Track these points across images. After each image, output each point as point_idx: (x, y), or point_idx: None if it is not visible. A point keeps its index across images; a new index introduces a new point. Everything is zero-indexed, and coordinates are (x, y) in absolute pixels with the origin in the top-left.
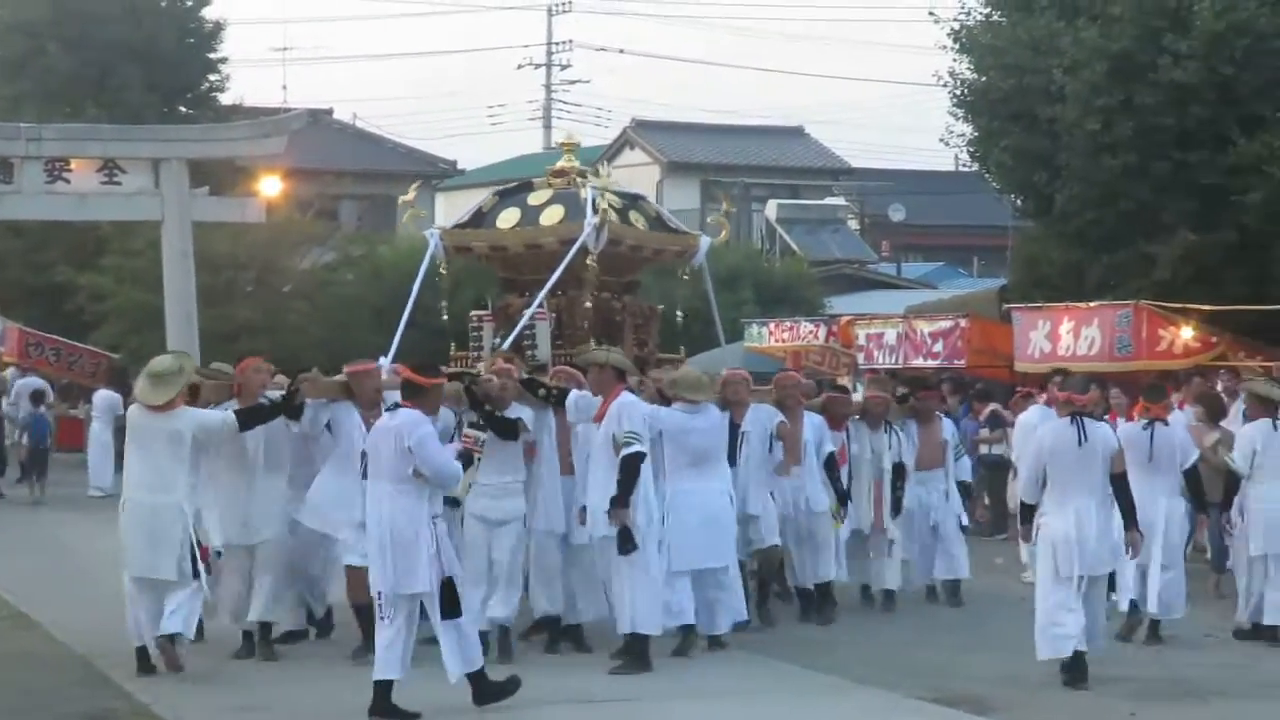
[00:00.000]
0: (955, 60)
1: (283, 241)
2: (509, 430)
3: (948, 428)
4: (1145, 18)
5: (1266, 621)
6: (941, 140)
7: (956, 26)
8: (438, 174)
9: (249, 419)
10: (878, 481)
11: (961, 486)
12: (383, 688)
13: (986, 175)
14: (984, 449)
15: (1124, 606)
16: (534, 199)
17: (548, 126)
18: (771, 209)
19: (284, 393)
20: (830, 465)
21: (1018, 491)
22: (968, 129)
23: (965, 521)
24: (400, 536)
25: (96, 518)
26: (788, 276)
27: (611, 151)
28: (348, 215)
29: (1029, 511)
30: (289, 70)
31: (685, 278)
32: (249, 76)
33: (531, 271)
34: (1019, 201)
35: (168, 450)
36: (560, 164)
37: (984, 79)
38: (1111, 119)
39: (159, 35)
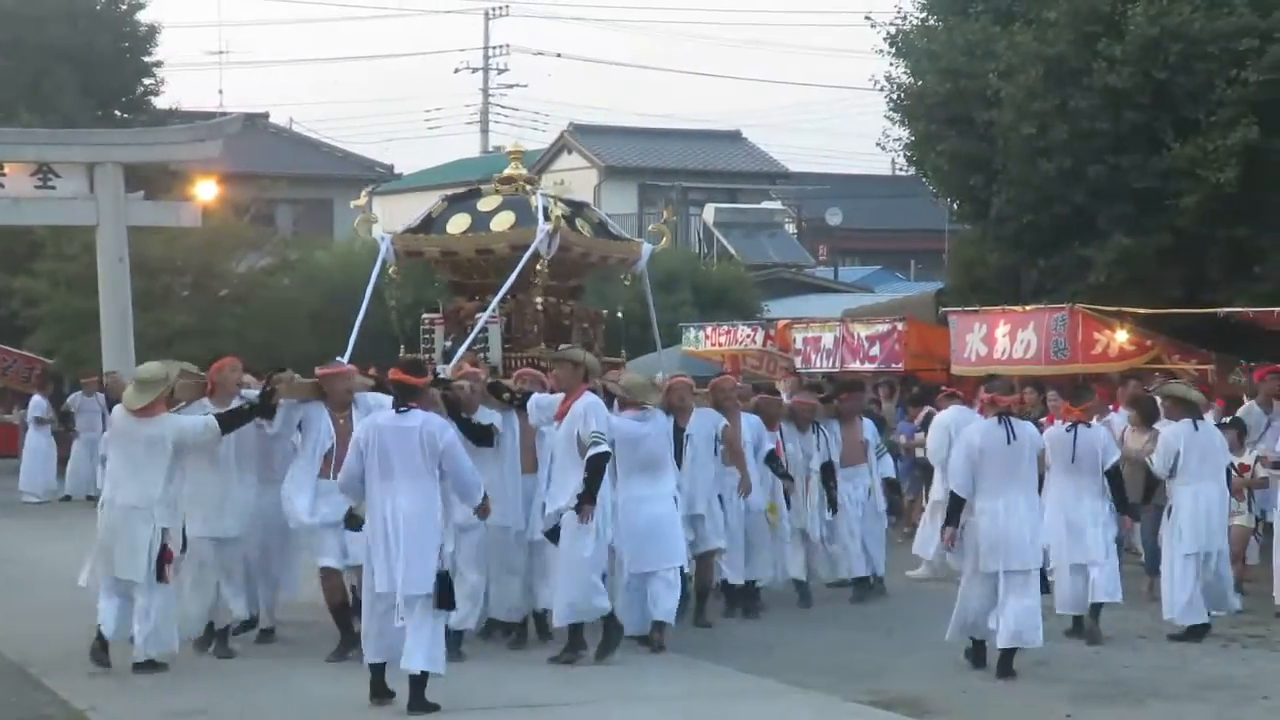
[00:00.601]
0: (892, 65)
1: (219, 246)
2: (485, 437)
3: (869, 428)
4: (1080, 23)
5: (1214, 609)
6: (878, 144)
7: (893, 31)
8: (375, 178)
9: (230, 421)
10: (807, 480)
11: (887, 484)
12: (378, 669)
13: (923, 179)
14: (919, 451)
15: (1073, 611)
16: (484, 205)
17: (485, 131)
18: (709, 213)
19: (260, 393)
20: (773, 460)
21: (946, 488)
22: (904, 133)
23: (887, 520)
24: (417, 537)
25: (29, 524)
26: (725, 280)
27: (549, 155)
28: (284, 219)
29: (958, 507)
30: (225, 74)
31: (627, 283)
32: (185, 80)
33: (481, 275)
34: (955, 205)
35: (146, 455)
36: (508, 171)
37: (920, 83)
38: (1047, 123)
39: (94, 39)
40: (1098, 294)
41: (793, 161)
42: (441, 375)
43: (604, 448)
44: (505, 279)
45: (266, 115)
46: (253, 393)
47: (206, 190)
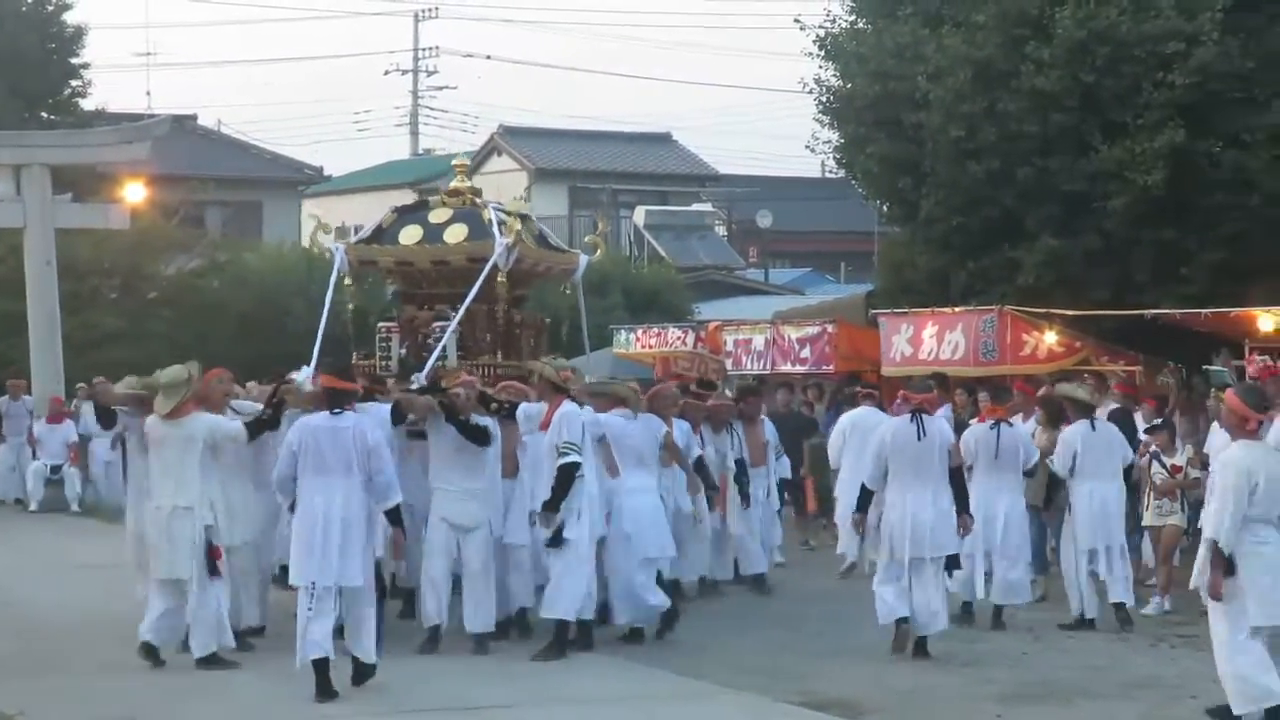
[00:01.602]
0: (821, 67)
1: (147, 248)
2: (484, 437)
3: (769, 429)
4: (1008, 26)
5: (1113, 600)
6: (808, 147)
7: (822, 34)
8: (304, 180)
9: (256, 430)
10: (723, 477)
11: (782, 484)
12: (322, 665)
13: (853, 181)
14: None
15: (966, 595)
16: (434, 217)
17: (415, 133)
18: (640, 215)
19: (268, 403)
20: (701, 466)
21: (849, 485)
22: (834, 136)
23: (780, 520)
24: (349, 531)
25: None
26: (656, 282)
27: (479, 158)
28: (213, 221)
29: (867, 498)
30: (152, 76)
31: (567, 292)
32: (112, 82)
33: (432, 285)
34: (885, 207)
35: (181, 456)
36: (454, 184)
37: (849, 86)
38: (975, 126)
39: (19, 40)
40: (1026, 296)
41: (723, 164)
42: (420, 383)
43: (573, 458)
44: (459, 289)
45: (195, 117)
46: (245, 404)
47: (135, 192)
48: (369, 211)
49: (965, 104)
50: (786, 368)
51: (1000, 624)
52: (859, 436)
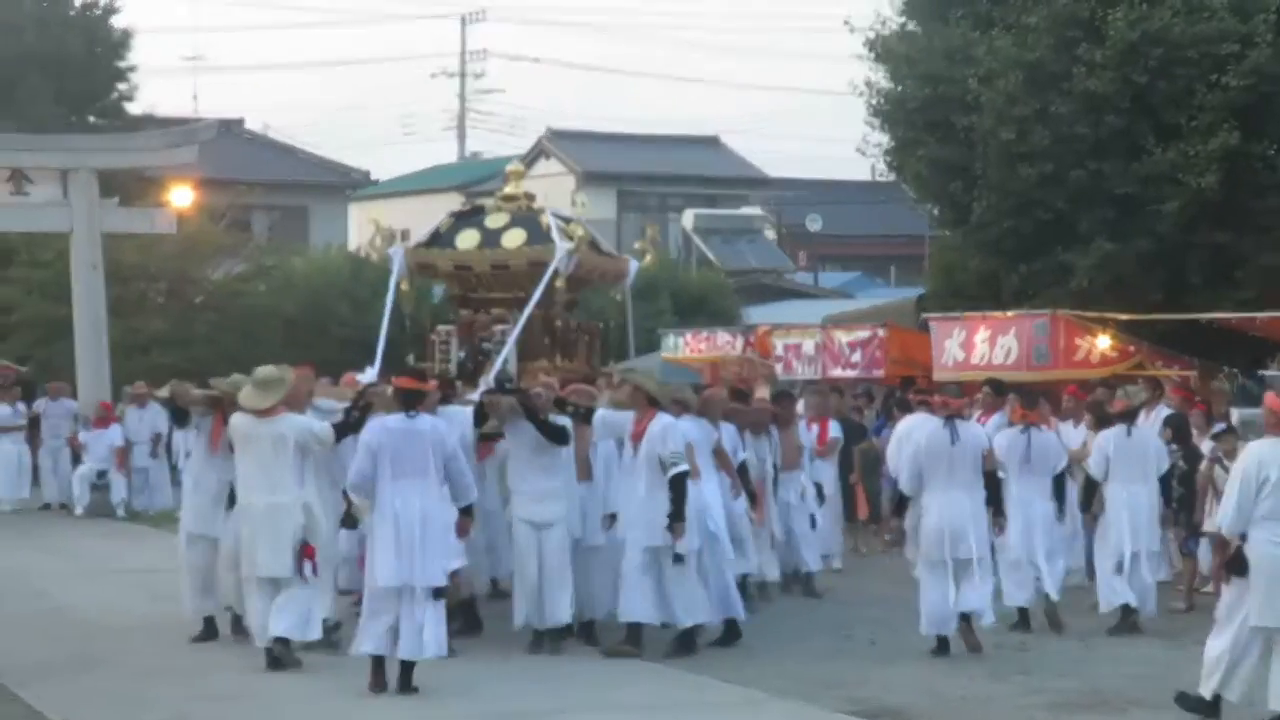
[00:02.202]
0: (871, 70)
1: (193, 252)
2: (562, 436)
3: (803, 434)
4: (1060, 28)
5: (1120, 601)
6: (858, 150)
7: (872, 36)
8: (350, 184)
9: (341, 432)
10: (759, 483)
11: (816, 488)
12: (379, 662)
13: (903, 185)
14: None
15: (1020, 602)
16: (491, 222)
17: (462, 136)
18: (688, 219)
19: (352, 406)
20: (744, 471)
21: (901, 486)
22: (884, 138)
23: (818, 521)
24: (433, 533)
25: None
26: (704, 286)
27: (526, 161)
28: (260, 226)
29: (903, 504)
30: (199, 80)
31: (618, 298)
32: (159, 86)
33: (489, 289)
34: (935, 211)
35: (273, 454)
36: (508, 189)
37: (900, 88)
38: (1027, 128)
39: (66, 43)
40: (1078, 300)
41: (772, 167)
42: (489, 385)
43: (684, 466)
44: (516, 293)
45: (241, 121)
46: (326, 403)
47: (181, 196)
48: (416, 216)
49: (1016, 107)
50: (837, 372)
51: (1059, 624)
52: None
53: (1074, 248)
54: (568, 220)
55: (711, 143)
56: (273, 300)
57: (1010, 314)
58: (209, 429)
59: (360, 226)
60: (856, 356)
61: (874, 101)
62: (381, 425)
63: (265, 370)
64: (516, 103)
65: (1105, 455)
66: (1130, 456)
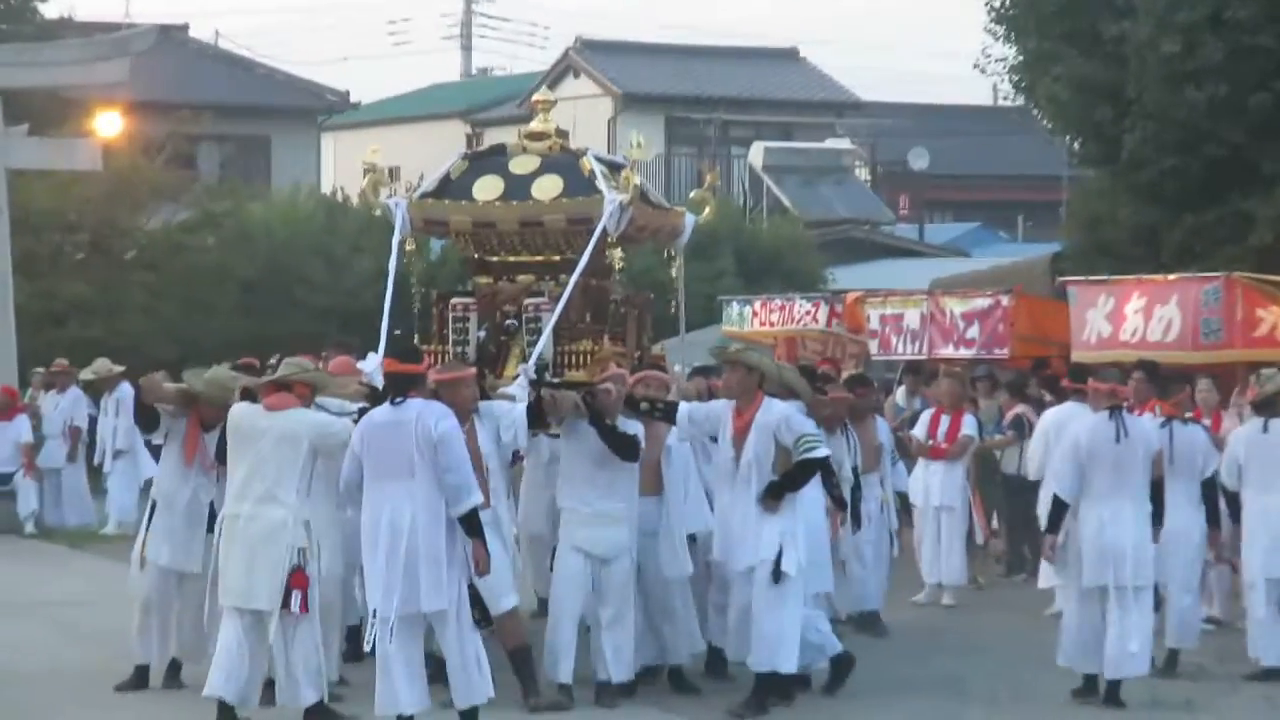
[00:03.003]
0: None
1: (124, 195)
2: (632, 451)
3: (882, 429)
4: None
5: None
6: (976, 66)
7: None
8: (324, 108)
9: None
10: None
11: (899, 497)
12: None
13: (1034, 111)
14: (1004, 463)
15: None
16: (517, 166)
17: (467, 48)
18: (757, 153)
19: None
20: (829, 473)
21: (1048, 497)
22: (1010, 52)
23: (895, 544)
24: (427, 546)
25: None
26: (777, 240)
27: (550, 79)
28: (209, 161)
29: (1061, 512)
30: None
31: (672, 257)
32: None
33: (512, 251)
34: (1076, 145)
35: (275, 454)
36: (536, 125)
37: None
38: (1195, 39)
39: None
40: (1263, 258)
41: (865, 88)
42: (528, 375)
43: (826, 450)
44: (550, 257)
45: (185, 27)
46: (331, 401)
47: (108, 124)
48: (408, 149)
49: (1182, 11)
50: (948, 351)
51: (1173, 671)
52: None
53: (1255, 193)
54: (614, 165)
55: (787, 56)
56: (225, 257)
57: (1172, 277)
58: (182, 435)
59: (336, 162)
60: (973, 331)
61: (997, 2)
62: (367, 419)
63: (291, 363)
64: (537, 4)
65: (1236, 457)
66: (1265, 459)
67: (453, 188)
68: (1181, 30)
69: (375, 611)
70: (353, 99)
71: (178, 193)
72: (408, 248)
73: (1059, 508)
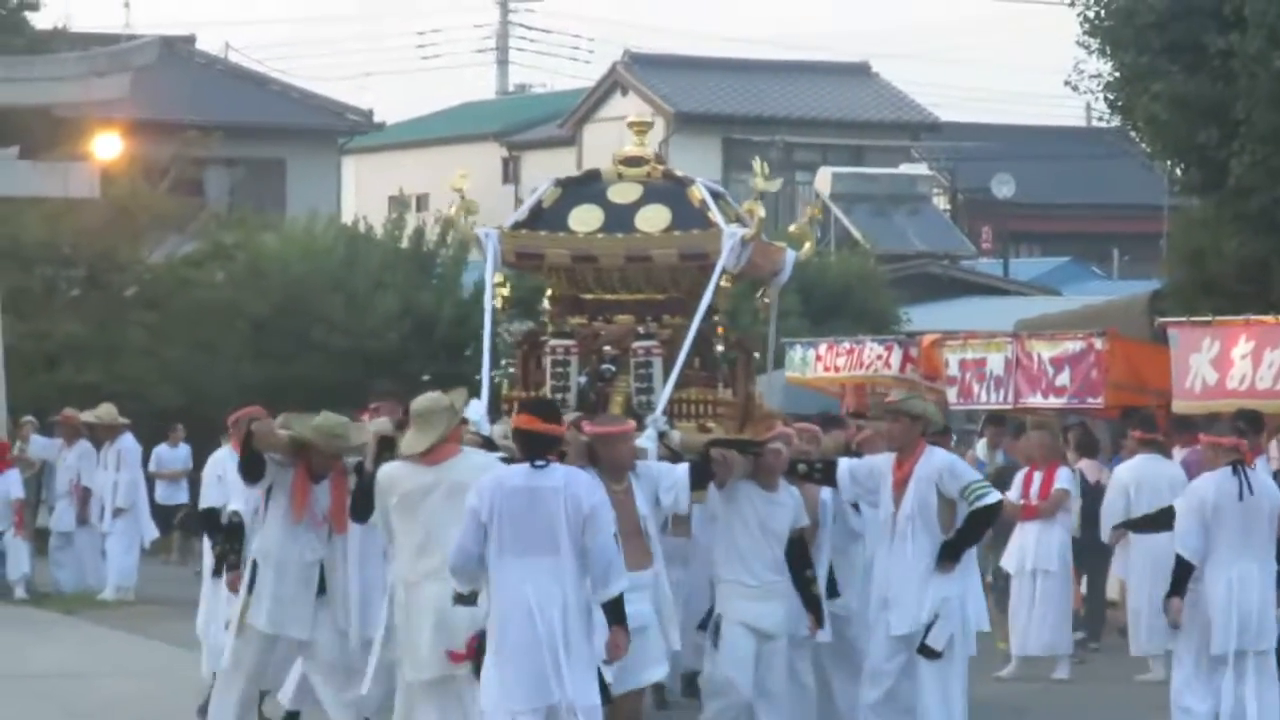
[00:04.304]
0: None
1: (124, 226)
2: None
3: (1018, 486)
4: None
5: None
6: (1068, 83)
7: None
8: (346, 128)
9: None
10: None
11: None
12: None
13: (1132, 133)
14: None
15: None
16: (617, 195)
17: (503, 63)
18: (824, 179)
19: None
20: None
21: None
22: (1105, 67)
23: None
24: (574, 633)
25: None
26: (846, 275)
27: (595, 98)
28: (217, 188)
29: (1186, 573)
30: None
31: (767, 301)
32: None
33: (609, 290)
34: (1178, 170)
35: (447, 513)
36: (631, 149)
37: None
38: None
39: None
40: None
41: (943, 107)
42: (661, 427)
43: (996, 495)
44: (654, 295)
45: (192, 39)
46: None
47: (107, 146)
48: (437, 172)
49: None
50: (1035, 400)
51: None
52: (1148, 496)
53: None
54: (715, 194)
55: (858, 72)
56: (235, 294)
57: None
58: (289, 488)
59: (358, 188)
60: (1064, 378)
61: (1092, 14)
62: (496, 483)
63: (423, 400)
64: (580, 14)
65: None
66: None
67: (546, 217)
68: None
69: (516, 706)
70: (376, 119)
71: (183, 222)
72: (499, 285)
73: (1184, 569)
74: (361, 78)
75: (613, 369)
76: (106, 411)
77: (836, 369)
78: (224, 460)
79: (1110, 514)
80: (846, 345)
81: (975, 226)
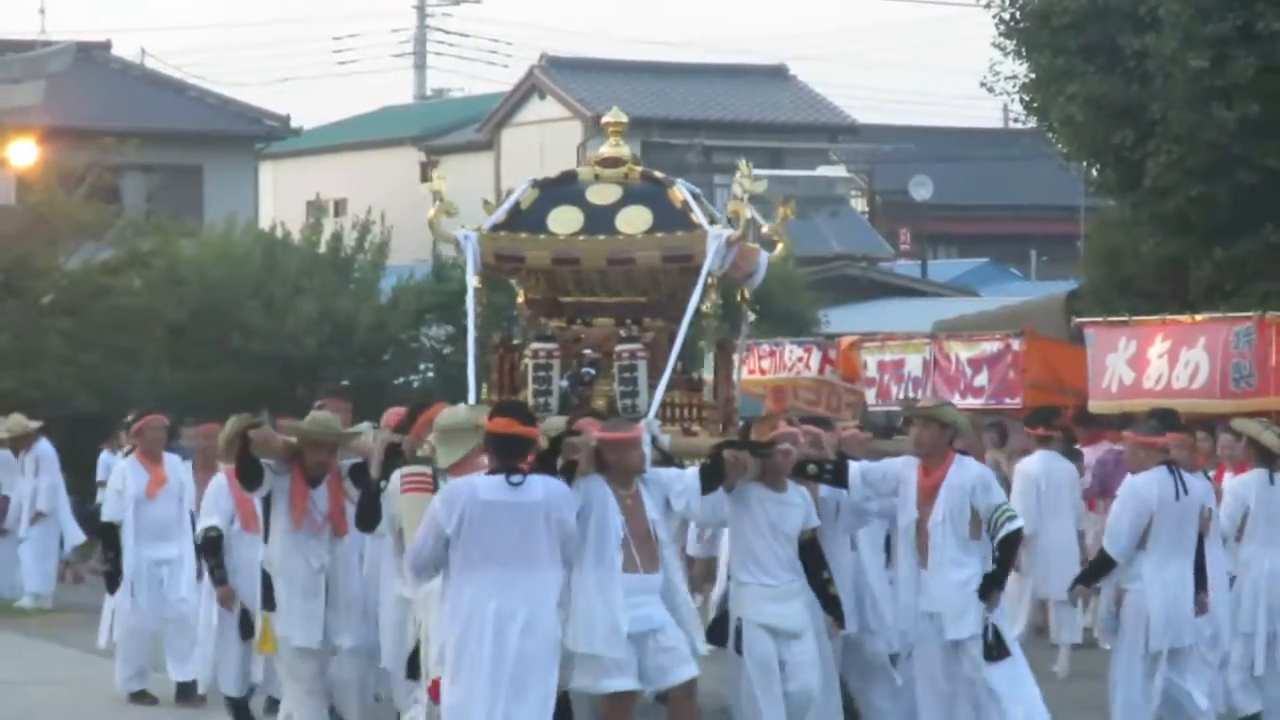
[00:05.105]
0: None
1: (40, 233)
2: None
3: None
4: None
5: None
6: (984, 85)
7: None
8: (263, 134)
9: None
10: None
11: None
12: None
13: (1048, 134)
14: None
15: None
16: (596, 196)
17: (421, 67)
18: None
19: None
20: None
21: (1112, 548)
22: (1021, 68)
23: None
24: (538, 658)
25: None
26: (766, 278)
27: (514, 101)
28: (134, 194)
29: (1106, 568)
30: None
31: (745, 300)
32: None
33: (589, 292)
34: (1094, 171)
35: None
36: (607, 149)
37: None
38: (1225, 53)
39: None
40: None
41: (861, 110)
42: (654, 430)
43: (1020, 523)
44: (635, 298)
45: (108, 45)
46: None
47: (22, 153)
48: (354, 178)
49: (1211, 22)
50: (955, 400)
51: None
52: (1052, 494)
53: None
54: (696, 196)
55: (776, 75)
56: (153, 300)
57: (1199, 318)
58: (287, 494)
59: (276, 194)
60: (981, 379)
61: (1008, 16)
62: (467, 493)
63: (446, 416)
64: (497, 18)
65: (1243, 507)
66: (1270, 511)
67: (524, 219)
68: (1210, 44)
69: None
70: (294, 124)
71: (100, 229)
72: (477, 286)
73: (1106, 565)
74: (279, 83)
75: (592, 372)
76: (16, 423)
77: (759, 371)
78: (124, 472)
79: (1023, 511)
80: (767, 348)
81: (893, 228)
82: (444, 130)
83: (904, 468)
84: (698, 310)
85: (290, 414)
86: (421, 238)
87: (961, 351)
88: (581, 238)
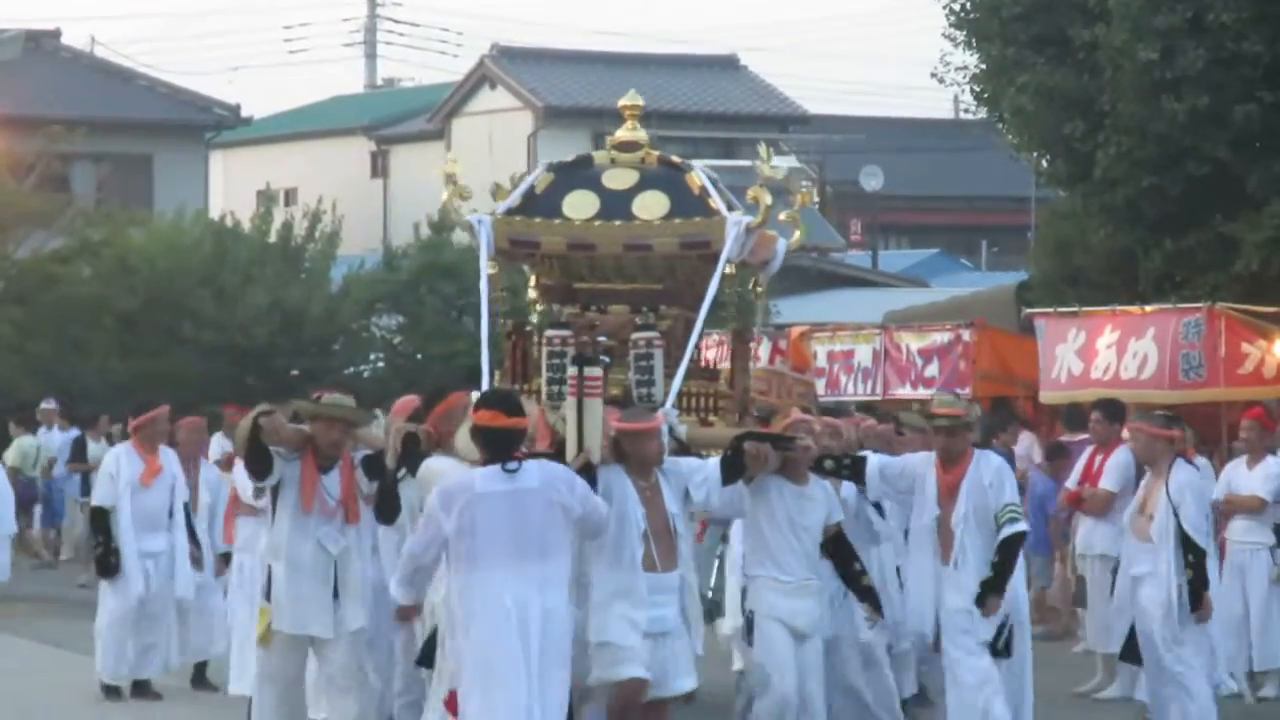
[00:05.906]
0: None
1: None
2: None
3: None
4: None
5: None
6: (934, 76)
7: None
8: (213, 123)
9: None
10: None
11: None
12: None
13: (998, 125)
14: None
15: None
16: (612, 181)
17: (371, 57)
18: None
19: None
20: None
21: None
22: (971, 59)
23: None
24: (556, 648)
25: None
26: None
27: (465, 91)
28: (83, 183)
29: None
30: None
31: (758, 290)
32: None
33: (603, 278)
34: (1044, 162)
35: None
36: (623, 134)
37: None
38: (1175, 45)
39: None
40: (1248, 288)
41: (812, 100)
42: (671, 420)
43: (1023, 525)
44: (650, 285)
45: (57, 34)
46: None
47: None
48: (304, 167)
49: (1160, 14)
50: (904, 391)
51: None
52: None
53: (1241, 214)
54: (714, 181)
55: (726, 65)
56: (102, 289)
57: (1149, 309)
58: (298, 480)
59: (226, 183)
60: (932, 369)
61: (957, 5)
62: (464, 489)
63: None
64: (447, 7)
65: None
66: None
67: (539, 203)
68: (1159, 36)
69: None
70: (244, 113)
71: (49, 218)
72: (492, 273)
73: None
74: (229, 72)
75: (607, 360)
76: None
77: (708, 362)
78: (119, 458)
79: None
80: (717, 337)
81: (844, 219)
82: (395, 120)
83: (921, 465)
84: (715, 298)
85: (241, 404)
86: (372, 227)
87: (912, 342)
88: (597, 223)
